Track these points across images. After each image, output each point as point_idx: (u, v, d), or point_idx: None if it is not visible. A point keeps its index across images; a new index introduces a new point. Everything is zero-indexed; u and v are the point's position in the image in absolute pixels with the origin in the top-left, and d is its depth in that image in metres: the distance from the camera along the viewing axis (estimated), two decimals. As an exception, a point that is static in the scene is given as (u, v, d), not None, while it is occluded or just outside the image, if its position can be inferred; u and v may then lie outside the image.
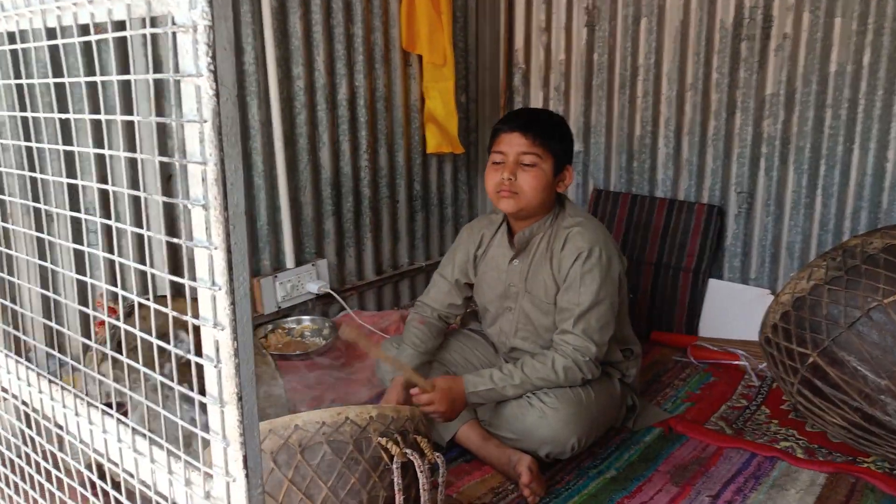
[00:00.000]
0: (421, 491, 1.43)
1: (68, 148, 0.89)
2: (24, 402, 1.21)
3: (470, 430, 2.05)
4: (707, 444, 2.14)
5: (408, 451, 1.43)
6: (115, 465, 1.00)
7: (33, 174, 1.06)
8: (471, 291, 2.27)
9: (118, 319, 1.00)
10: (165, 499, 0.94)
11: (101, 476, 1.10)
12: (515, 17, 3.27)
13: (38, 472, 1.24)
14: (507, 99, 3.37)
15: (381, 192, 3.03)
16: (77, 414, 1.07)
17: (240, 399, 0.81)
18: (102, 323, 1.69)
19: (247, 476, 0.83)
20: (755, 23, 2.61)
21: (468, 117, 3.33)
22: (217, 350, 0.80)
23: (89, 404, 1.05)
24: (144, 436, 0.97)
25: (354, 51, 2.83)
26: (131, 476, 0.98)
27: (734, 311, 2.76)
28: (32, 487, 1.28)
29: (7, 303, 1.26)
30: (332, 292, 2.81)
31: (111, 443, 1.01)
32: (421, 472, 1.42)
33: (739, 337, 2.71)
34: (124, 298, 0.93)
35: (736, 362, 2.62)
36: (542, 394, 1.93)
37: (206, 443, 0.85)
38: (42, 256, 1.11)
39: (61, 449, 1.17)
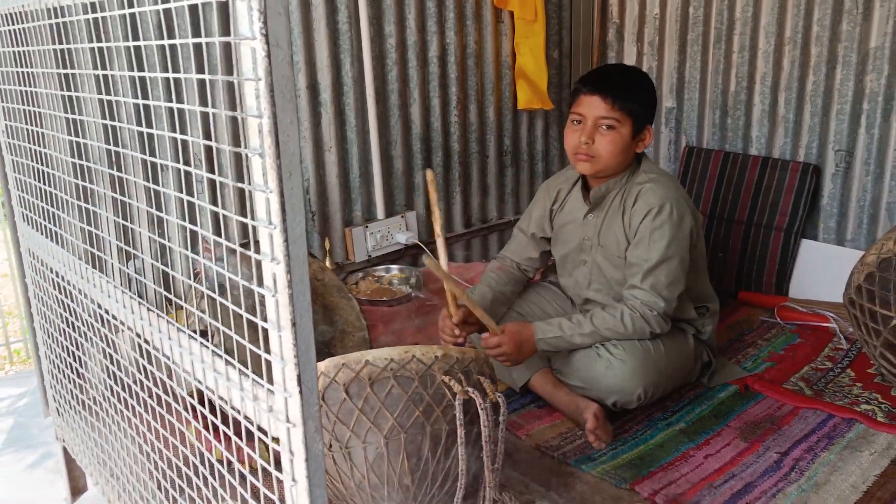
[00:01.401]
0: (482, 427, 1.53)
1: (147, 102, 1.02)
2: (137, 335, 1.39)
3: (542, 377, 2.13)
4: (783, 403, 2.13)
5: (469, 389, 1.53)
6: (207, 388, 1.15)
7: (149, 129, 1.19)
8: (548, 245, 2.33)
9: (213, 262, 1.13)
10: (238, 412, 1.08)
11: (201, 402, 1.26)
12: (610, -30, 3.23)
13: (151, 396, 1.42)
14: (601, 54, 3.34)
15: (471, 148, 3.10)
16: (180, 345, 1.22)
17: (294, 325, 0.92)
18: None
19: (301, 392, 0.95)
20: (862, -29, 2.48)
21: (561, 73, 3.33)
22: (274, 282, 0.92)
23: (190, 336, 1.20)
24: (224, 360, 1.11)
25: (445, 8, 2.89)
26: (218, 396, 1.13)
27: (827, 273, 2.69)
28: (145, 410, 1.47)
29: (123, 245, 1.44)
30: (419, 243, 2.93)
31: (198, 366, 1.16)
32: (482, 409, 1.51)
33: (831, 300, 2.64)
34: (218, 244, 1.06)
35: (825, 324, 2.56)
36: (610, 345, 1.98)
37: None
38: (156, 206, 1.27)
39: (169, 377, 1.34)
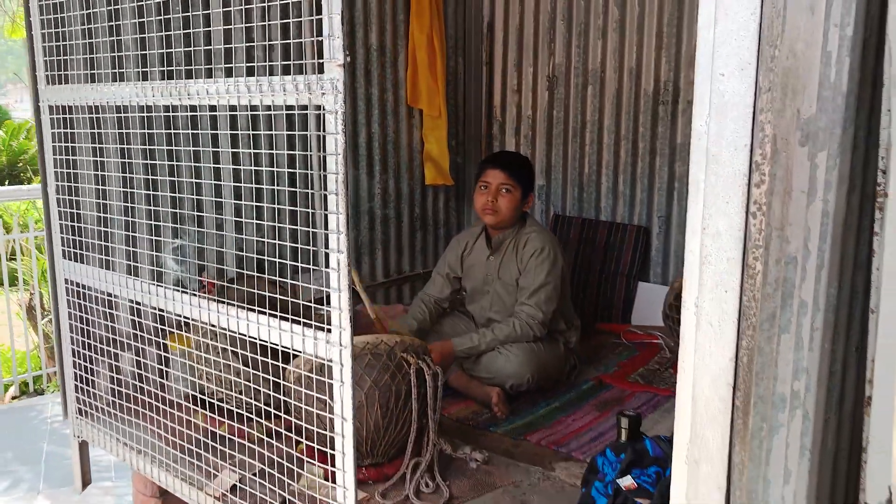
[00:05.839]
0: (428, 388, 2.30)
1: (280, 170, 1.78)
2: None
3: (458, 376, 2.92)
4: (625, 389, 3.02)
5: (420, 361, 2.30)
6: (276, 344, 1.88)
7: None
8: (458, 284, 3.17)
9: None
10: (300, 351, 1.82)
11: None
12: (494, 81, 4.23)
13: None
14: (488, 143, 4.30)
15: (390, 214, 3.93)
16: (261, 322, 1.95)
17: (341, 292, 1.70)
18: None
19: (342, 330, 1.71)
20: (668, 91, 3.57)
21: (457, 157, 4.25)
22: (338, 264, 1.69)
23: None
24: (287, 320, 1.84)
25: (372, 105, 3.75)
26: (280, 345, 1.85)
27: (657, 305, 3.65)
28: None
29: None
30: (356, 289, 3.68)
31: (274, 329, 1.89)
32: (429, 374, 2.28)
33: (660, 324, 3.60)
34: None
35: (656, 341, 3.51)
36: (506, 346, 2.82)
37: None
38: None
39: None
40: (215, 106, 2.48)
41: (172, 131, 2.50)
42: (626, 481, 1.70)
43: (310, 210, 2.78)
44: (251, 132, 2.63)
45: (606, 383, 3.09)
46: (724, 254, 1.12)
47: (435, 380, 2.34)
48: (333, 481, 1.85)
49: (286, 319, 1.85)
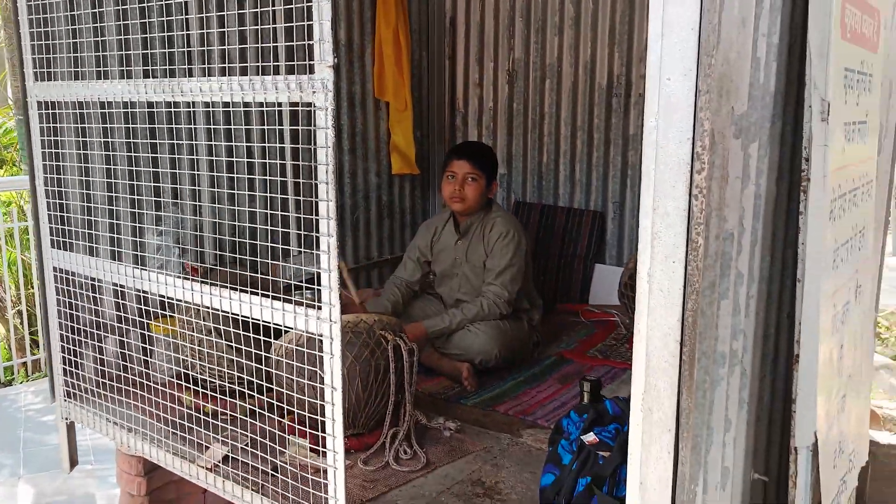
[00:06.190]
0: (405, 362, 2.48)
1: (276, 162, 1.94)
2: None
3: (429, 354, 3.11)
4: (584, 363, 3.24)
5: (397, 338, 2.48)
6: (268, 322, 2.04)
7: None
8: (428, 267, 3.35)
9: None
10: (291, 328, 1.98)
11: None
12: (457, 75, 4.41)
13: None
14: (451, 134, 4.48)
15: (359, 203, 4.09)
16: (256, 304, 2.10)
17: (331, 272, 1.87)
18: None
19: (332, 306, 1.88)
20: (621, 85, 3.80)
21: (422, 148, 4.43)
22: (328, 247, 1.86)
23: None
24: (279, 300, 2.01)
25: (341, 98, 3.90)
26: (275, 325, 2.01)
27: (613, 285, 3.89)
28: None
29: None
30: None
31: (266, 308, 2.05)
32: (405, 349, 2.47)
33: (616, 303, 3.84)
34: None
35: (612, 319, 3.75)
36: (475, 324, 3.02)
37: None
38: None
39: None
40: (195, 103, 2.63)
41: (171, 126, 2.64)
42: (589, 437, 1.91)
43: (288, 196, 2.94)
44: (233, 127, 2.78)
45: (567, 358, 3.31)
46: (672, 230, 1.33)
47: (411, 355, 2.52)
48: (318, 452, 2.02)
49: (278, 299, 2.01)
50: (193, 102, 2.57)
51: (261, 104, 3.00)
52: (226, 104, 2.53)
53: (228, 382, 2.45)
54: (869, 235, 2.14)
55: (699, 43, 1.26)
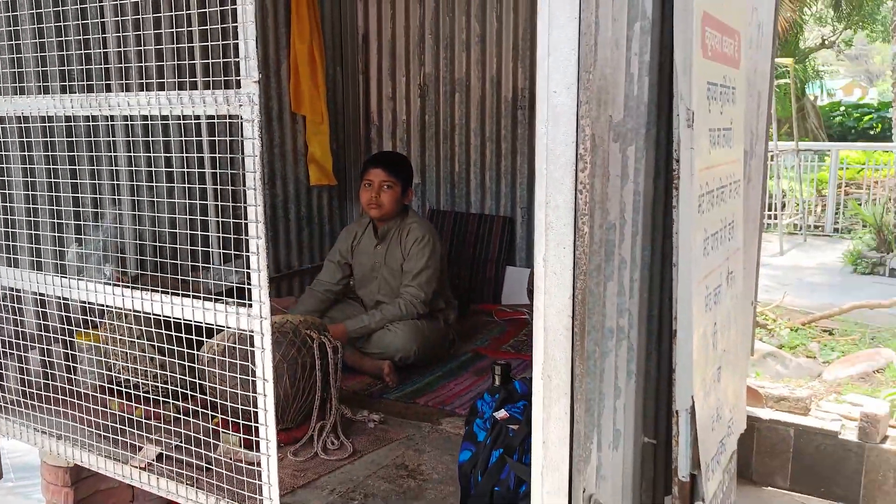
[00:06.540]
0: (330, 360, 2.63)
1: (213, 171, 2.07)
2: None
3: (352, 354, 3.26)
4: (498, 357, 3.46)
5: (322, 337, 2.63)
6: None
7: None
8: (349, 270, 3.51)
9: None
10: (222, 327, 2.12)
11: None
12: (370, 89, 4.60)
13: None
14: (366, 146, 4.66)
15: (279, 213, 4.21)
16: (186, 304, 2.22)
17: (260, 272, 2.02)
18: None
19: (262, 304, 2.03)
20: (525, 98, 4.08)
21: (338, 159, 4.58)
22: (257, 249, 2.01)
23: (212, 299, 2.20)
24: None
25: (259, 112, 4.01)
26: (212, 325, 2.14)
27: (523, 285, 4.15)
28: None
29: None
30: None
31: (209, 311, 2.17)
32: (330, 347, 2.62)
33: (525, 302, 4.10)
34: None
35: (523, 317, 4.00)
36: (394, 324, 3.20)
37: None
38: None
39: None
40: (115, 116, 2.72)
41: (90, 139, 2.71)
42: (500, 413, 2.12)
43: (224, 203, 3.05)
44: (151, 138, 2.88)
45: (482, 354, 3.53)
46: (562, 220, 1.55)
47: (336, 353, 2.68)
48: (249, 447, 2.15)
49: (209, 300, 2.14)
50: (113, 116, 2.68)
51: (179, 117, 3.12)
52: (144, 117, 2.64)
53: (161, 384, 2.55)
54: (738, 229, 2.45)
55: (579, 61, 1.49)
